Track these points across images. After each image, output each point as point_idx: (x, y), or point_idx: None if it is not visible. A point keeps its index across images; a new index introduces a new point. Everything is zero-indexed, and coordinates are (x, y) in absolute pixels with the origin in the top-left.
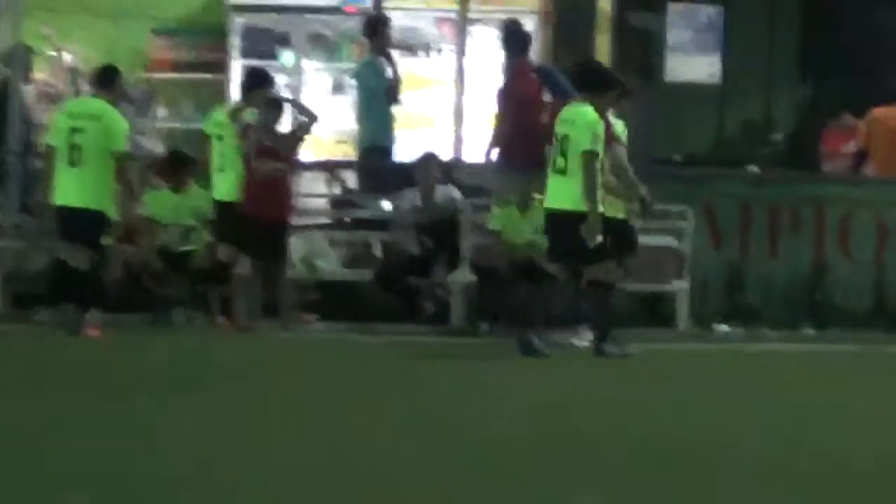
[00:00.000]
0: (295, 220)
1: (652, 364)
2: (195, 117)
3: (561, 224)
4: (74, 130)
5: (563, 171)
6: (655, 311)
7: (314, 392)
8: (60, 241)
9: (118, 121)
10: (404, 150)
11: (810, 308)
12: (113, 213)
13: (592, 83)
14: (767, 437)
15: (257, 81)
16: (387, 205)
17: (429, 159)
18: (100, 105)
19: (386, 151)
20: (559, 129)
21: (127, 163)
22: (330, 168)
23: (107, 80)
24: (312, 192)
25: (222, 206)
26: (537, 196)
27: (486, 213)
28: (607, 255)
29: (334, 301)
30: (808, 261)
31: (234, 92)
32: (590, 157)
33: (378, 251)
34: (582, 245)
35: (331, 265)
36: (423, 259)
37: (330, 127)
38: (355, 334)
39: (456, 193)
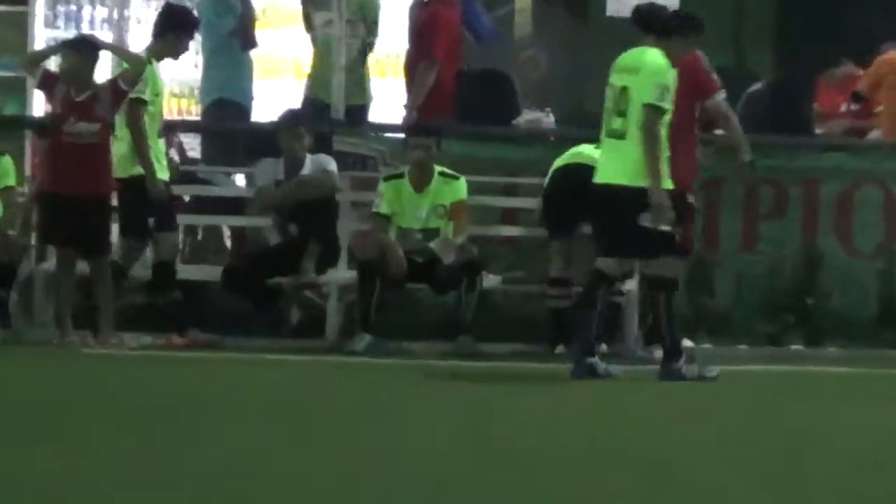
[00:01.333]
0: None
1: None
2: None
3: (616, 203)
4: None
5: (620, 135)
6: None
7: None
8: None
9: None
10: (263, 107)
11: (799, 316)
12: None
13: (661, 25)
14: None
15: None
16: (239, 179)
17: (294, 119)
18: None
19: (237, 108)
20: (616, 79)
21: None
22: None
23: None
24: None
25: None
26: (446, 171)
27: (372, 192)
28: (674, 244)
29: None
30: (796, 253)
31: (39, 27)
32: (653, 113)
33: (228, 240)
34: (642, 232)
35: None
36: (288, 252)
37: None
38: (193, 352)
39: (332, 165)
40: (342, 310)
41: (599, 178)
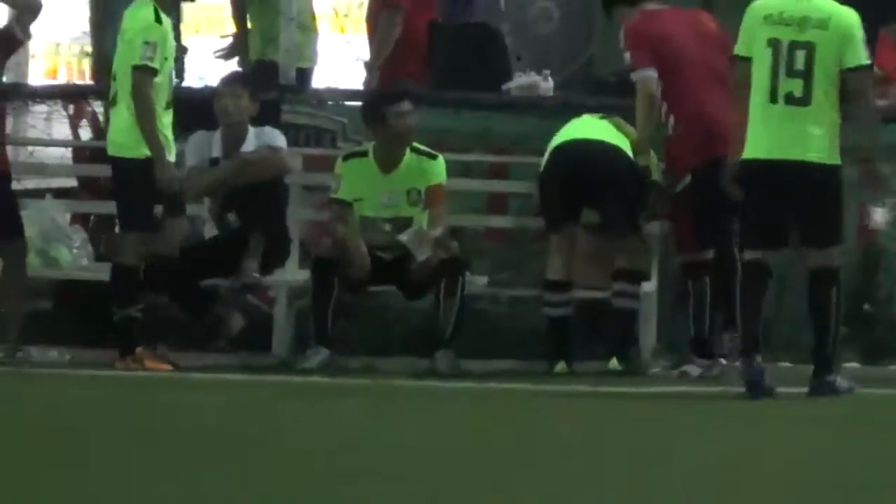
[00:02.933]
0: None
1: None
2: None
3: (818, 187)
4: None
5: (800, 100)
6: (598, 331)
7: None
8: None
9: None
10: (196, 70)
11: (854, 327)
12: None
13: None
14: None
15: None
16: None
17: (233, 83)
18: None
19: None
20: (785, 32)
21: None
22: (72, 97)
23: None
24: (43, 137)
25: None
26: (420, 147)
27: (329, 174)
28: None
29: (79, 311)
30: (851, 250)
31: None
32: (863, 77)
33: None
34: (838, 218)
35: (75, 255)
36: (227, 246)
37: (70, 30)
38: (104, 369)
39: (280, 140)
40: (293, 318)
41: (770, 154)
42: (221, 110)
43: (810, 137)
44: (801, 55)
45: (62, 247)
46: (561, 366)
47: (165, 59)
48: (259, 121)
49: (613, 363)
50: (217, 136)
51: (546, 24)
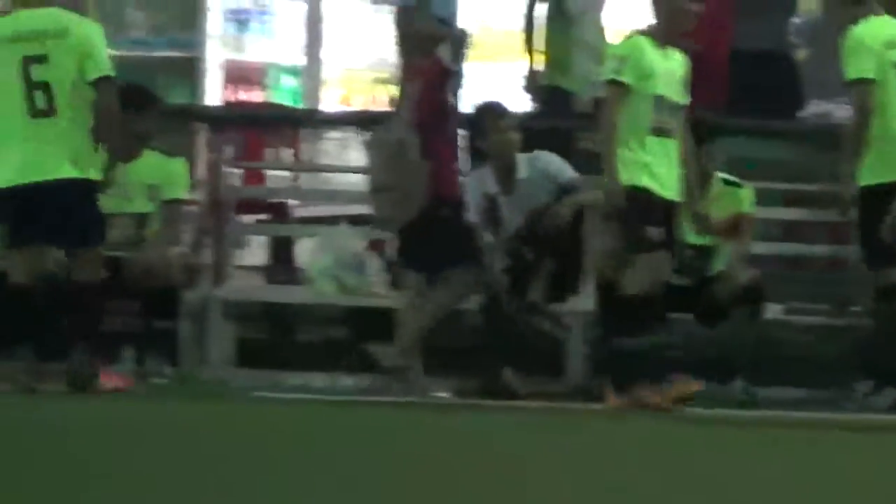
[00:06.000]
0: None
1: None
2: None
3: None
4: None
5: None
6: None
7: None
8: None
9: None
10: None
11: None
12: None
13: None
14: None
15: None
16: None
17: (496, 116)
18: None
19: None
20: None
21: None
22: (367, 123)
23: None
24: (336, 164)
25: None
26: (727, 178)
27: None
28: None
29: (372, 339)
30: None
31: (214, 6)
32: None
33: None
34: None
35: (367, 282)
36: (515, 277)
37: (366, 56)
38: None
39: (554, 165)
40: (586, 346)
41: None
42: (493, 146)
43: None
44: None
45: (357, 274)
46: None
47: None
48: (552, 149)
49: None
50: (488, 170)
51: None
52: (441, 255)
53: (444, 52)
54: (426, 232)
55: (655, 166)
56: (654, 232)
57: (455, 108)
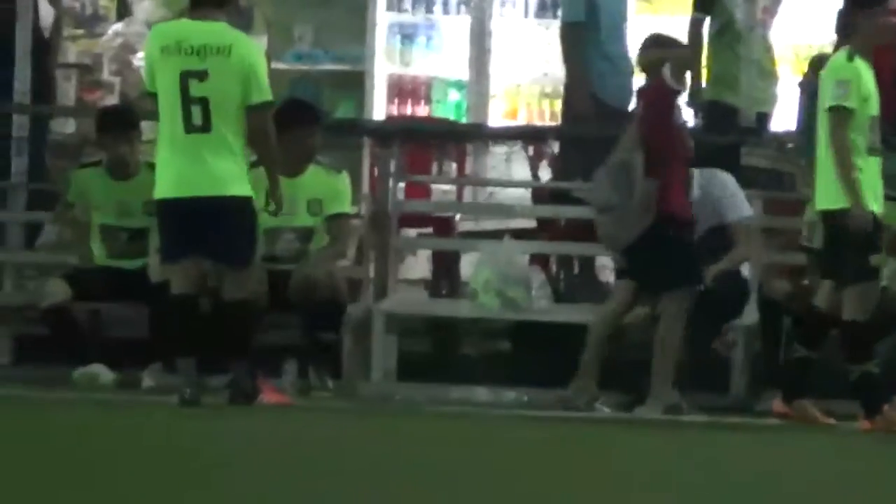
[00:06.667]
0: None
1: None
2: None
3: None
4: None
5: None
6: None
7: None
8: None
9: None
10: None
11: None
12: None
13: None
14: None
15: None
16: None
17: None
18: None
19: (612, 112)
20: None
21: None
22: (532, 138)
23: None
24: (501, 178)
25: None
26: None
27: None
28: None
29: (537, 353)
30: None
31: (381, 10)
32: None
33: (610, 276)
34: None
35: (534, 297)
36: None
37: (531, 70)
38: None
39: (726, 186)
40: (749, 360)
41: None
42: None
43: None
44: None
45: (520, 288)
46: None
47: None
48: (717, 164)
49: None
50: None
51: None
52: (669, 274)
53: (666, 73)
54: (654, 250)
55: (875, 188)
56: (875, 257)
57: (683, 127)
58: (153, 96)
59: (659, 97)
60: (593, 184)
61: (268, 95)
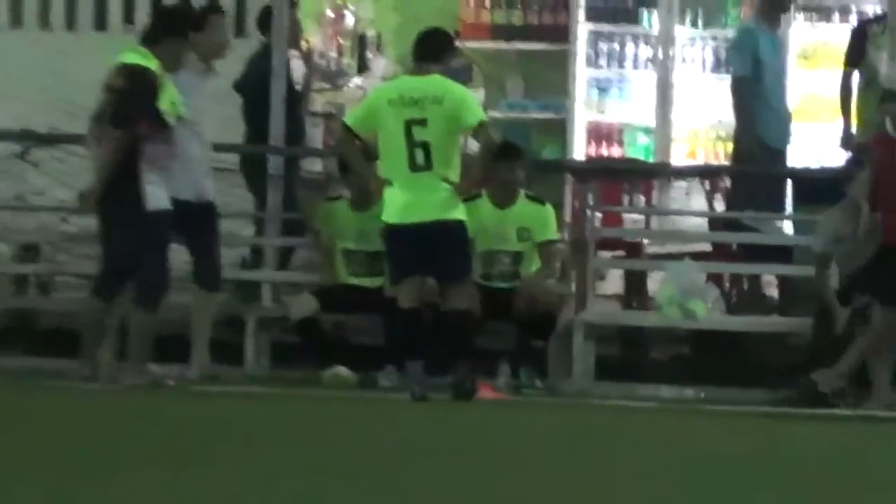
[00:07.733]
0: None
1: None
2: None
3: None
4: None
5: None
6: None
7: None
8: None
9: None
10: (800, 151)
11: None
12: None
13: None
14: None
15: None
16: (787, 227)
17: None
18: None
19: (774, 153)
20: None
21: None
22: (709, 174)
23: (436, 50)
24: (682, 209)
25: None
26: None
27: None
28: None
29: (715, 356)
30: None
31: (581, 66)
32: None
33: (774, 291)
34: None
35: (710, 309)
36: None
37: (708, 117)
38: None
39: None
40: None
41: None
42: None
43: None
44: None
45: (699, 301)
46: None
47: None
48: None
49: None
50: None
51: None
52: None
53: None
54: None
55: None
56: None
57: None
58: (348, 128)
59: (884, 146)
60: (824, 217)
61: (482, 116)
